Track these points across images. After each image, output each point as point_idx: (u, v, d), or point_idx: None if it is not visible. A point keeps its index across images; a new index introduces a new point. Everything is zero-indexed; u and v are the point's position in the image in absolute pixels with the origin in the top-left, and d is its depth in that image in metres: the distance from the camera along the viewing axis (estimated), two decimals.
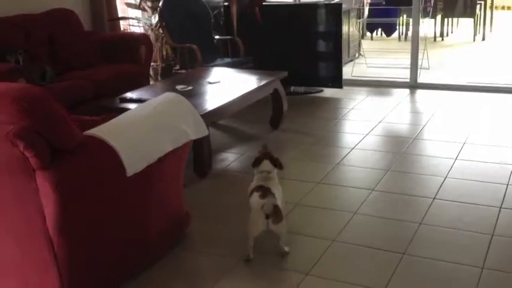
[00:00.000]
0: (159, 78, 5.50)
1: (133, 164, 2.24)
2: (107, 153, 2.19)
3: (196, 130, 2.66)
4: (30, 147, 1.97)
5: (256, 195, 2.53)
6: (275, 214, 2.44)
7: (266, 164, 2.69)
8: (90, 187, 2.16)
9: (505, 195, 3.06)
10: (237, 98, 3.78)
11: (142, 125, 2.43)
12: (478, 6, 7.99)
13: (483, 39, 8.21)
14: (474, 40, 8.16)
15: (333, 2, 6.19)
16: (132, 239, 2.41)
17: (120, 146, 2.22)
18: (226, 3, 5.56)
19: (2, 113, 2.02)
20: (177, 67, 5.19)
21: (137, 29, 5.83)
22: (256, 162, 2.72)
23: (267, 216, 2.43)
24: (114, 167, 2.20)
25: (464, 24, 8.64)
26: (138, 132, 2.37)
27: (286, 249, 2.56)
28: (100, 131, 2.26)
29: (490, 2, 8.71)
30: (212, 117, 3.52)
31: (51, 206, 2.05)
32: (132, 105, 3.30)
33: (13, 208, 2.14)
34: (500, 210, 2.89)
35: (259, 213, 2.44)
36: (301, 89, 5.57)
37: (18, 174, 2.05)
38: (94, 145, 2.19)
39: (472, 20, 8.11)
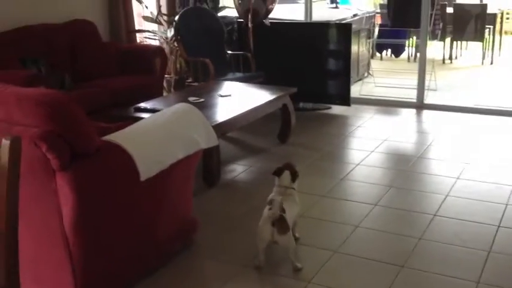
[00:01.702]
0: (172, 90, 5.64)
1: (147, 169, 2.36)
2: (122, 158, 2.31)
3: (207, 140, 2.78)
4: (52, 149, 2.10)
5: (267, 207, 2.58)
6: (280, 224, 2.49)
7: (286, 178, 2.75)
8: (106, 189, 2.28)
9: (503, 214, 3.15)
10: (247, 111, 3.90)
11: (157, 132, 2.56)
12: (487, 30, 8.11)
13: (491, 63, 8.31)
14: (482, 64, 8.26)
15: (343, 22, 6.34)
16: (143, 241, 2.52)
17: (135, 151, 2.34)
18: (240, 20, 5.71)
19: (27, 117, 2.16)
20: (190, 80, 5.34)
21: (153, 41, 5.99)
22: (278, 173, 2.78)
23: (273, 224, 2.48)
24: (129, 171, 2.32)
25: (473, 47, 8.75)
26: (153, 139, 2.50)
27: (299, 265, 2.60)
28: (117, 137, 2.39)
29: (499, 27, 8.83)
30: (222, 129, 3.64)
31: (69, 205, 2.16)
32: (145, 115, 3.42)
33: (32, 206, 2.25)
34: (498, 228, 2.98)
35: (266, 222, 2.51)
36: (310, 105, 5.69)
37: (39, 174, 2.17)
38: (111, 150, 2.32)
39: (480, 43, 8.23)
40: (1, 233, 1.44)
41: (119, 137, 2.38)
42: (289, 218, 2.58)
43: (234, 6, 5.80)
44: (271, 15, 5.87)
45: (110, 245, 2.36)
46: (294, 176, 2.79)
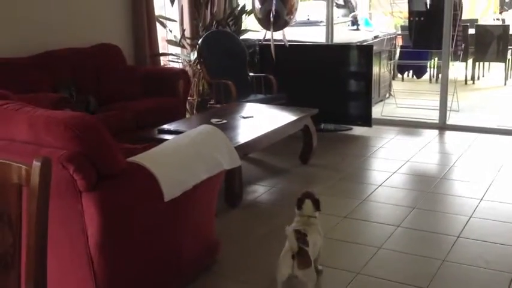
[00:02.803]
0: (195, 111, 5.72)
1: (170, 190, 2.40)
2: (147, 179, 2.35)
3: (230, 161, 2.82)
4: (79, 171, 2.14)
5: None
6: (302, 257, 2.33)
7: (308, 207, 2.62)
8: (131, 210, 2.31)
9: None
10: (269, 132, 3.94)
11: (180, 154, 2.60)
12: (509, 51, 8.06)
13: None
14: (505, 84, 8.20)
15: (364, 44, 6.38)
16: (166, 262, 2.54)
17: (160, 172, 2.38)
18: (262, 42, 5.78)
19: (55, 139, 2.21)
20: (212, 102, 5.42)
21: (176, 64, 6.10)
22: (299, 204, 2.65)
23: (293, 257, 2.33)
24: (153, 192, 2.35)
25: (496, 68, 8.69)
26: (176, 160, 2.54)
27: None
28: (141, 158, 2.44)
29: None
30: (244, 150, 3.67)
31: (95, 226, 2.20)
32: (169, 136, 3.48)
33: (58, 227, 2.29)
34: None
35: (286, 255, 2.36)
36: (331, 126, 5.71)
37: (66, 196, 2.22)
38: (136, 171, 2.36)
39: (503, 64, 8.17)
40: (31, 252, 1.48)
41: (144, 158, 2.43)
42: (312, 251, 2.44)
43: (255, 29, 5.90)
44: (293, 38, 5.94)
45: (134, 265, 2.38)
46: (317, 204, 2.66)
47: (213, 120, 4.07)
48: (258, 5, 5.51)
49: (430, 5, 5.92)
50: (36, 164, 1.45)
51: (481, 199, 3.68)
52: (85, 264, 2.26)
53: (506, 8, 10.99)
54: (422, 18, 6.03)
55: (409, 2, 6.18)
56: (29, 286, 1.49)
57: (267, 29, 5.42)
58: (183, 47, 6.01)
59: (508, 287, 2.58)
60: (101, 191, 2.19)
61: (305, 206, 2.64)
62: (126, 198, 2.30)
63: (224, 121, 4.10)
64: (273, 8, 5.30)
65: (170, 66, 6.07)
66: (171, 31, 6.01)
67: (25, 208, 1.51)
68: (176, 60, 6.08)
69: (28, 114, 2.32)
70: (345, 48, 5.87)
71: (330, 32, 6.11)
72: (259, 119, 4.26)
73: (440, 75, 6.41)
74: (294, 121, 4.27)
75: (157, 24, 5.78)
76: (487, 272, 2.74)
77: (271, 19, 5.27)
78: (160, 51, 5.88)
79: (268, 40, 5.35)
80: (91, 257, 2.25)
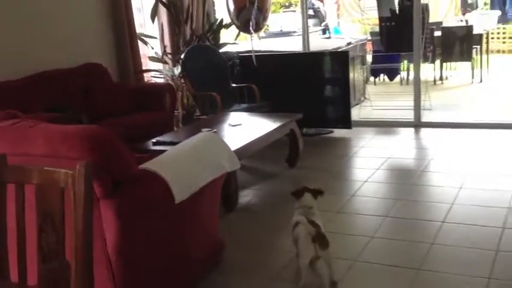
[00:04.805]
0: (180, 124, 5.89)
1: (180, 193, 2.57)
2: (158, 183, 2.52)
3: (230, 163, 3.01)
4: (96, 179, 2.30)
5: (301, 225, 2.60)
6: (322, 239, 2.52)
7: (308, 199, 2.79)
8: (145, 214, 2.48)
9: (506, 216, 3.38)
10: (259, 137, 4.14)
11: (186, 159, 2.79)
12: (474, 50, 8.46)
13: (481, 81, 8.64)
14: (472, 82, 8.60)
15: (340, 50, 6.66)
16: (178, 262, 2.71)
17: (169, 177, 2.56)
18: (242, 54, 6.01)
19: (71, 150, 2.37)
20: (198, 113, 5.59)
21: (159, 80, 6.26)
22: (297, 194, 2.81)
23: (314, 240, 2.50)
24: (165, 195, 2.52)
25: (463, 67, 9.09)
26: (183, 165, 2.72)
27: (336, 279, 2.69)
28: (152, 164, 2.61)
29: (486, 47, 9.20)
30: (238, 155, 3.84)
31: (112, 230, 2.36)
32: (163, 147, 3.63)
33: None
34: (503, 230, 3.21)
35: (306, 240, 2.52)
36: (313, 130, 5.94)
37: None
38: (148, 177, 2.53)
39: (469, 63, 8.57)
40: (78, 252, 1.64)
41: (154, 165, 2.60)
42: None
43: (233, 42, 6.12)
44: (269, 48, 6.19)
45: (148, 265, 2.54)
46: (317, 193, 2.82)
47: (203, 130, 4.22)
48: (235, 13, 5.76)
49: (398, 10, 6.24)
50: (80, 169, 1.64)
51: (460, 188, 3.95)
52: (104, 266, 2.41)
53: (470, 9, 11.49)
54: (393, 23, 6.34)
55: (378, 9, 6.49)
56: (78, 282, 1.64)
57: (246, 33, 5.66)
58: (165, 62, 6.18)
59: (493, 262, 2.83)
60: (117, 197, 2.35)
61: (305, 198, 2.82)
62: (141, 203, 2.46)
63: (214, 130, 4.28)
64: (253, 20, 5.56)
65: (153, 81, 6.22)
66: (152, 48, 6.18)
67: (69, 210, 1.68)
68: (159, 75, 6.25)
69: (44, 130, 2.47)
70: (322, 55, 6.13)
71: (306, 40, 6.37)
72: (247, 126, 4.46)
73: (411, 77, 6.73)
74: (281, 126, 4.49)
75: (139, 42, 5.94)
76: (472, 251, 2.98)
77: (251, 28, 5.52)
78: (143, 67, 6.04)
79: (249, 52, 5.60)
80: (109, 259, 2.40)
